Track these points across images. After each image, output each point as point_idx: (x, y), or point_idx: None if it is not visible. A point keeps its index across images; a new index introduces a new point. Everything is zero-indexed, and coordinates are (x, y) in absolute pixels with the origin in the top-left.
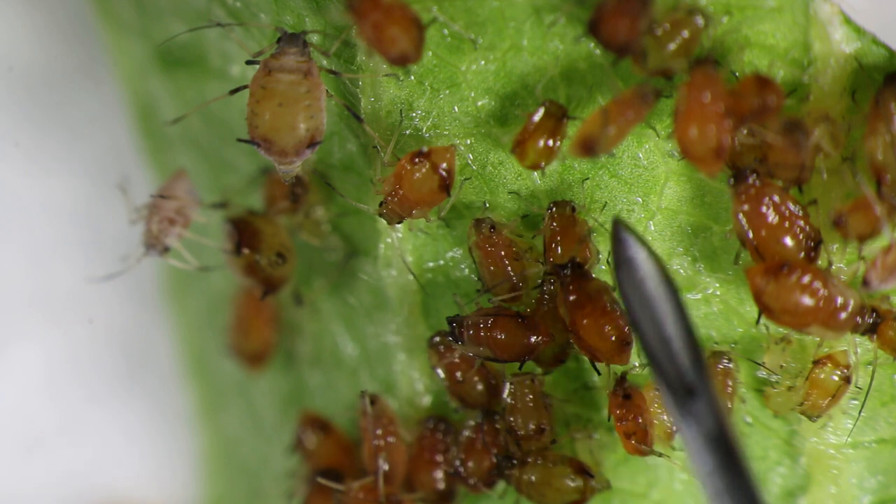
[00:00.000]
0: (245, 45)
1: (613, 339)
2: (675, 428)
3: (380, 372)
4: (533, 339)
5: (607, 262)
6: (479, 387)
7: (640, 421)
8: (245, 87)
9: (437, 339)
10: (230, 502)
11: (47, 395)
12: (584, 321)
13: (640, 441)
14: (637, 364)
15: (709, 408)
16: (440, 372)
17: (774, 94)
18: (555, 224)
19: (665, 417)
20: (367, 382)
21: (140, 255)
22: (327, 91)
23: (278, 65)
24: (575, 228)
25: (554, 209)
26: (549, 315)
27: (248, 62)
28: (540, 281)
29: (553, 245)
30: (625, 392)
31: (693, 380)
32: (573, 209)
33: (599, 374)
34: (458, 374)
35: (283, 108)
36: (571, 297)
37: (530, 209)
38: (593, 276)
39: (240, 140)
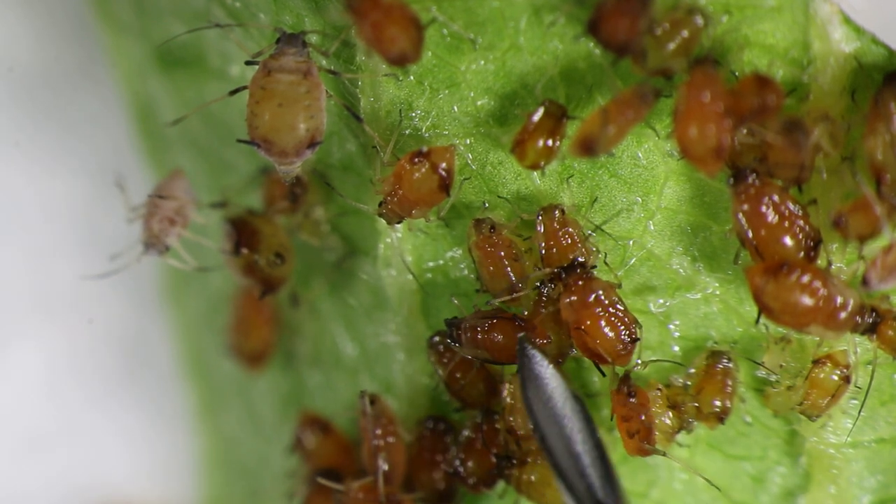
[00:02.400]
0: (244, 45)
1: (617, 339)
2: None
3: (379, 372)
4: None
5: (605, 262)
6: (479, 386)
7: (644, 419)
8: (244, 87)
9: (437, 338)
10: (229, 502)
11: (46, 394)
12: (588, 322)
13: (644, 440)
14: (640, 362)
15: None
16: (440, 372)
17: (774, 94)
18: (545, 229)
19: (665, 417)
20: (366, 382)
21: (139, 254)
22: (327, 91)
23: (277, 65)
24: (567, 231)
25: (542, 216)
26: (547, 317)
27: (248, 63)
28: (539, 283)
29: (547, 250)
30: (629, 391)
31: (603, 497)
32: (563, 212)
33: (604, 375)
34: (459, 374)
35: (283, 108)
36: (574, 298)
37: (526, 211)
38: (595, 276)
39: (240, 141)
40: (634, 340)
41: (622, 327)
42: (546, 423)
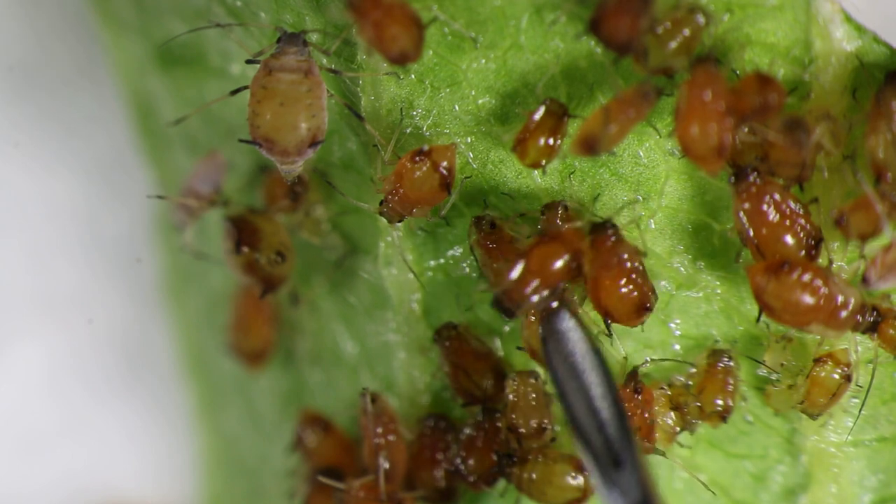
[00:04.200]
0: (245, 44)
1: (632, 301)
2: (677, 430)
3: (380, 370)
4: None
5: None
6: (487, 378)
7: (647, 417)
8: (245, 87)
9: (444, 331)
10: (230, 501)
11: (47, 394)
12: (607, 282)
13: (645, 437)
14: (648, 360)
15: (635, 480)
16: (445, 366)
17: (776, 93)
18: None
19: (668, 417)
20: (367, 381)
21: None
22: (328, 90)
23: (279, 64)
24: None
25: (546, 213)
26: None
27: (248, 61)
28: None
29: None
30: (636, 387)
31: (620, 451)
32: (566, 208)
33: (610, 335)
34: (465, 368)
35: (285, 107)
36: (600, 257)
37: (527, 209)
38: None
39: (241, 140)
40: (648, 309)
41: (637, 293)
42: (565, 377)
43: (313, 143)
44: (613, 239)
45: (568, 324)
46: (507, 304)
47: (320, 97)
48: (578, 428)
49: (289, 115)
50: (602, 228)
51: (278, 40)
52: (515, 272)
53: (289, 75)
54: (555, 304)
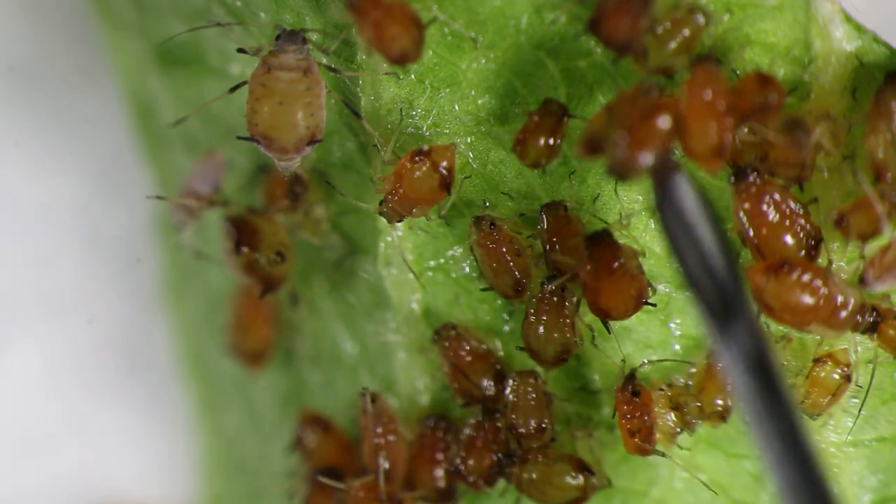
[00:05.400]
0: (245, 44)
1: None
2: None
3: (380, 370)
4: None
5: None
6: (486, 382)
7: (646, 419)
8: (244, 83)
9: (444, 332)
10: (230, 501)
11: (47, 394)
12: (607, 287)
13: (644, 439)
14: (646, 361)
15: (748, 329)
16: (445, 367)
17: (775, 93)
18: (549, 225)
19: (668, 417)
20: (367, 381)
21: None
22: (326, 87)
23: (278, 62)
24: (570, 227)
25: (545, 212)
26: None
27: (240, 51)
28: (542, 281)
29: (551, 247)
30: (634, 390)
31: (733, 301)
32: (566, 208)
33: (609, 332)
34: (465, 367)
35: (284, 105)
36: (597, 265)
37: (527, 209)
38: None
39: (239, 137)
40: (645, 302)
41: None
42: (678, 229)
43: (311, 142)
44: (610, 247)
45: (681, 177)
46: (621, 170)
47: (319, 96)
48: (690, 278)
49: (287, 113)
50: (599, 239)
51: (277, 38)
52: (626, 139)
53: (288, 74)
54: (670, 160)
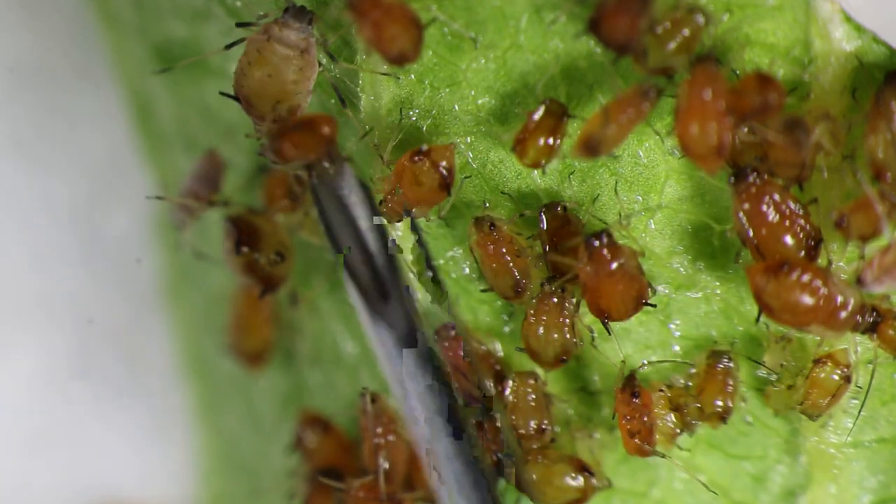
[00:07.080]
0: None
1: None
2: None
3: (380, 370)
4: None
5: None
6: (487, 381)
7: (646, 420)
8: (242, 40)
9: (443, 331)
10: (230, 501)
11: (47, 395)
12: (606, 288)
13: (644, 440)
14: (646, 362)
15: (402, 311)
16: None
17: (775, 93)
18: (549, 226)
19: (668, 418)
20: (367, 381)
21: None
22: (319, 62)
23: (279, 35)
24: (570, 228)
25: (545, 213)
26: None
27: (239, 25)
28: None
29: (550, 247)
30: (633, 391)
31: (386, 283)
32: (565, 209)
33: (610, 333)
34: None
35: (272, 78)
36: (597, 266)
37: (527, 209)
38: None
39: (222, 93)
40: (645, 303)
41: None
42: (332, 210)
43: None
44: (610, 248)
45: (339, 161)
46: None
47: (309, 78)
48: (346, 261)
49: (273, 86)
50: (597, 240)
51: (286, 10)
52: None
53: (285, 49)
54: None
